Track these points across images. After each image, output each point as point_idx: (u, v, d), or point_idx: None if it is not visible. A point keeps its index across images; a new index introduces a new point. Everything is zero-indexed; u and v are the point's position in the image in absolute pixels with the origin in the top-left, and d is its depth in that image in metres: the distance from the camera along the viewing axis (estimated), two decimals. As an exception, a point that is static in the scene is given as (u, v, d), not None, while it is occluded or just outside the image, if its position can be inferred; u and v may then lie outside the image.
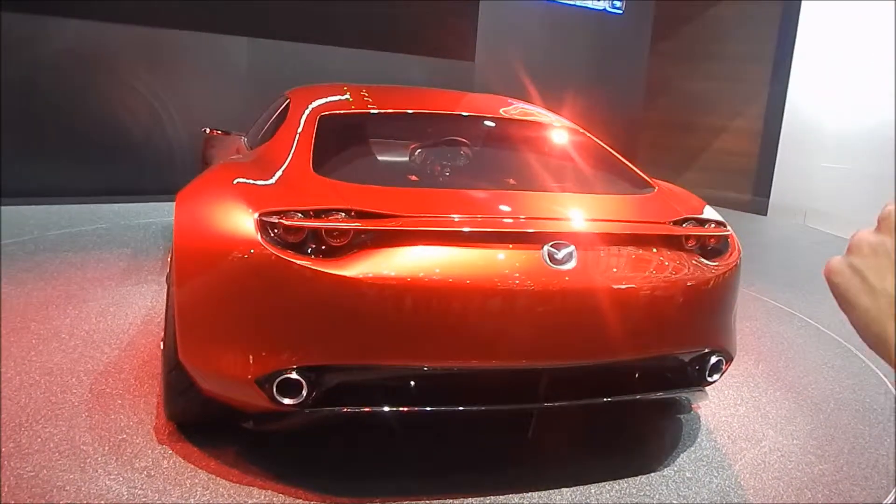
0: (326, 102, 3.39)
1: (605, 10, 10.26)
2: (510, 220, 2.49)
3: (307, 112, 3.18)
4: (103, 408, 2.91)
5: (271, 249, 2.25)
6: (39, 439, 2.63)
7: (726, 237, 2.80)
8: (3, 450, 2.52)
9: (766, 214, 9.45)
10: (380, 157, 3.29)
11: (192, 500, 2.33)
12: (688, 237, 2.65)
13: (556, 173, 3.27)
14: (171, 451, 2.62)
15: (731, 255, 2.78)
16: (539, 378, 2.43)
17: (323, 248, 2.26)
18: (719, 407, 3.39)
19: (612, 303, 2.42)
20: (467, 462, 2.73)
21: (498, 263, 2.34)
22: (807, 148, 8.95)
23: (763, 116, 9.79)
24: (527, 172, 3.28)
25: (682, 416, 3.21)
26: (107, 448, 2.60)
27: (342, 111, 3.30)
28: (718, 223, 2.79)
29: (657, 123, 10.89)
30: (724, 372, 2.81)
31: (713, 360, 2.68)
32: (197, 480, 2.45)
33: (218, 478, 2.47)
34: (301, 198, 2.42)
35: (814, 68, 8.95)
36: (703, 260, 2.66)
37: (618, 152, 3.40)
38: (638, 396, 2.62)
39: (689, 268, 2.60)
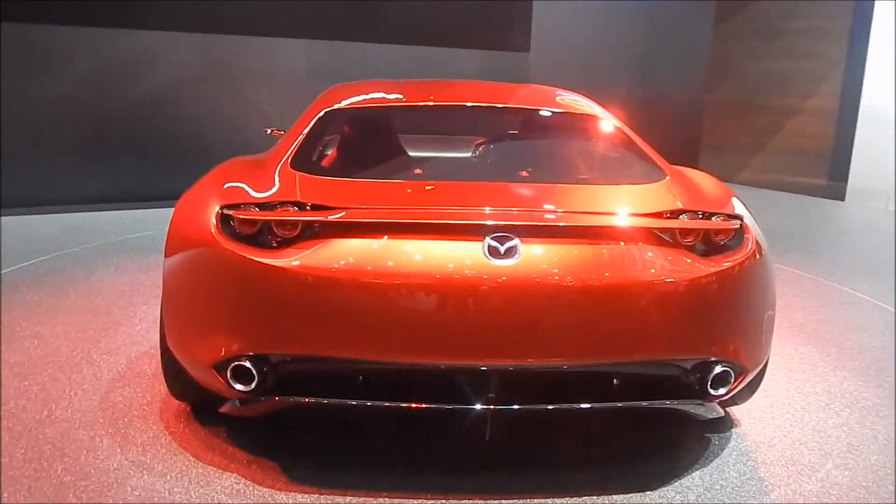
0: (339, 98, 3.33)
1: (664, -9, 9.85)
2: (453, 212, 2.33)
3: (315, 108, 3.16)
4: (133, 385, 3.10)
5: (222, 241, 2.30)
6: (72, 408, 2.82)
7: (737, 233, 2.47)
8: (35, 416, 2.60)
9: (843, 200, 8.82)
10: (374, 150, 3.22)
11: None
12: (685, 231, 2.38)
13: (547, 163, 3.11)
14: (164, 428, 2.72)
15: (739, 252, 2.45)
16: (487, 379, 2.29)
17: (275, 240, 2.27)
18: (768, 423, 2.96)
19: (565, 301, 2.22)
20: (472, 461, 2.61)
21: (436, 257, 2.23)
22: (888, 129, 8.28)
23: (838, 96, 9.12)
24: (515, 163, 3.14)
25: (713, 436, 2.83)
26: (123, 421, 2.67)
27: (345, 106, 3.23)
28: (732, 217, 2.50)
29: (722, 106, 10.33)
30: (737, 386, 2.48)
31: (717, 370, 2.38)
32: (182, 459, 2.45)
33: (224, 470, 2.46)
34: (260, 191, 2.44)
35: (894, 42, 8.28)
36: (698, 257, 2.37)
37: (639, 139, 3.17)
38: (619, 404, 2.40)
39: (677, 265, 2.33)
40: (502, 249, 2.23)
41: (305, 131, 2.93)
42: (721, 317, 2.42)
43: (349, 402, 2.28)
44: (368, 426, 2.78)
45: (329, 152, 3.35)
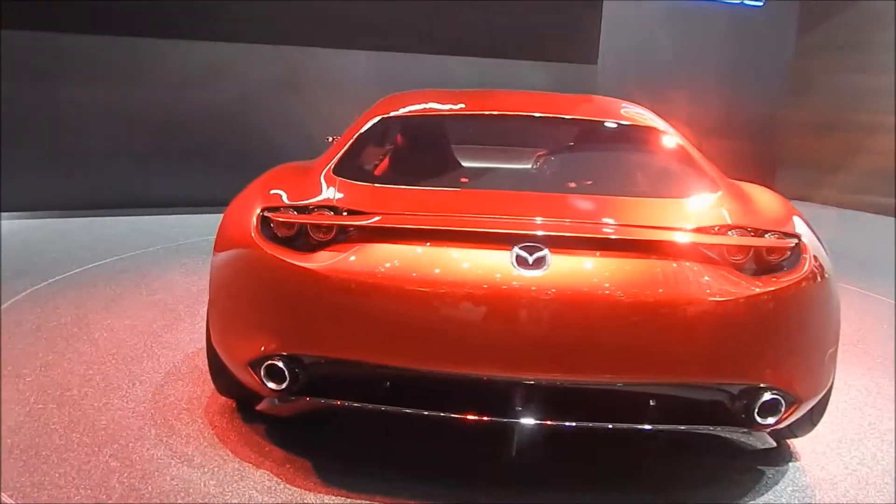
0: (393, 106, 3.40)
1: (742, 2, 9.54)
2: (481, 220, 2.33)
3: (367, 116, 3.23)
4: (186, 379, 3.25)
5: (260, 242, 2.38)
6: (128, 398, 2.98)
7: (794, 252, 2.34)
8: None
9: (929, 222, 8.34)
10: (423, 159, 3.26)
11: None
12: (733, 249, 2.29)
13: (598, 174, 3.06)
14: (208, 423, 2.83)
15: (794, 273, 2.32)
16: (511, 391, 2.27)
17: (311, 243, 2.33)
18: (832, 459, 2.78)
19: (595, 316, 2.17)
20: (502, 476, 2.59)
21: (464, 265, 2.23)
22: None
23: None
24: (565, 174, 3.12)
25: (768, 468, 2.68)
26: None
27: (396, 114, 3.29)
28: (787, 236, 2.37)
29: (802, 122, 9.86)
30: (788, 416, 2.35)
31: (765, 398, 2.27)
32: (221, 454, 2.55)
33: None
34: (300, 195, 2.51)
35: None
36: (747, 276, 2.27)
37: (697, 151, 3.10)
38: (653, 427, 2.30)
39: (719, 283, 2.23)
40: (531, 260, 2.21)
41: (353, 138, 3.00)
42: (771, 340, 2.31)
43: (376, 407, 2.32)
44: (403, 432, 2.81)
45: (382, 159, 3.43)
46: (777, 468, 2.72)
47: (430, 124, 3.48)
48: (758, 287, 2.26)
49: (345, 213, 2.37)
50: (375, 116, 3.21)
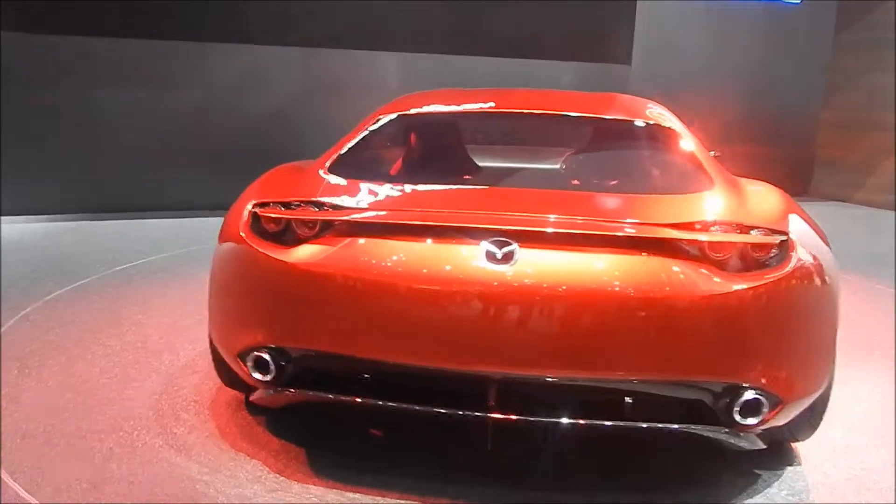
0: (403, 105, 3.41)
1: (778, 0, 9.25)
2: (453, 215, 2.33)
3: (373, 115, 3.26)
4: (201, 372, 3.31)
5: (248, 237, 2.45)
6: (142, 390, 3.02)
7: (782, 250, 2.27)
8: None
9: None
10: (426, 156, 3.27)
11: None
12: (716, 245, 2.22)
13: (592, 172, 3.03)
14: (211, 415, 2.89)
15: (777, 271, 2.24)
16: (485, 386, 2.26)
17: (296, 238, 2.38)
18: (837, 464, 2.69)
19: (565, 311, 2.14)
20: (485, 473, 2.59)
21: (435, 260, 2.24)
22: None
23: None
24: (562, 171, 3.07)
25: (764, 472, 2.60)
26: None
27: (401, 113, 3.30)
28: (775, 233, 2.30)
29: (838, 122, 9.53)
30: (773, 417, 2.27)
31: (746, 397, 2.21)
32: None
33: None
34: (290, 191, 2.56)
35: None
36: (728, 273, 2.21)
37: (701, 149, 3.03)
38: (625, 424, 2.26)
39: (694, 279, 2.17)
40: (499, 254, 2.20)
41: (356, 136, 3.05)
42: (752, 338, 2.24)
43: (357, 400, 2.34)
44: (400, 425, 2.84)
45: (398, 158, 3.46)
46: (773, 471, 2.64)
47: (436, 123, 3.51)
48: (735, 284, 2.19)
49: (329, 209, 2.41)
50: (380, 115, 3.23)
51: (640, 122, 3.22)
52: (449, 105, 3.50)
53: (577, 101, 3.65)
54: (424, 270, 2.23)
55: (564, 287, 2.16)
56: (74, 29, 6.75)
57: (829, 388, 2.61)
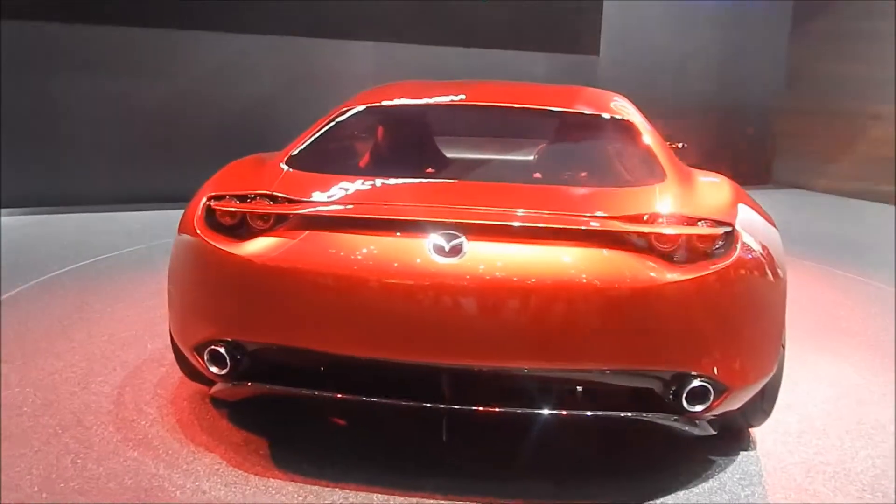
0: (368, 98, 3.33)
1: (739, -3, 9.27)
2: (402, 209, 2.31)
3: (337, 108, 3.18)
4: (168, 365, 3.15)
5: (201, 230, 2.38)
6: (107, 384, 2.91)
7: (727, 241, 2.23)
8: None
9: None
10: (395, 149, 3.20)
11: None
12: (662, 237, 2.19)
13: (547, 164, 3.01)
14: (175, 409, 2.80)
15: (720, 262, 2.21)
16: (437, 377, 2.23)
17: (251, 231, 2.31)
18: (791, 449, 2.68)
19: (512, 303, 2.12)
20: (448, 464, 2.56)
21: (385, 253, 2.20)
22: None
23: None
24: (517, 164, 3.03)
25: (719, 458, 2.59)
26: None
27: (364, 106, 3.22)
28: (720, 224, 2.26)
29: (799, 111, 9.60)
30: (719, 404, 2.26)
31: (693, 385, 2.20)
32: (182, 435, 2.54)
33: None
34: (246, 184, 2.49)
35: None
36: (672, 264, 2.18)
37: (658, 141, 2.98)
38: (575, 412, 2.23)
39: (637, 270, 2.15)
40: (447, 247, 2.17)
41: (319, 129, 2.97)
42: (695, 328, 2.22)
43: (315, 393, 2.29)
44: (357, 417, 2.80)
45: (356, 149, 3.39)
46: (728, 457, 2.64)
47: (402, 116, 3.44)
48: (680, 275, 2.17)
49: (284, 202, 2.35)
50: (344, 108, 3.16)
51: (600, 116, 3.18)
52: (415, 98, 3.44)
53: (543, 94, 3.60)
54: (375, 264, 2.19)
55: (512, 279, 2.14)
56: (30, 15, 6.49)
57: (780, 374, 2.61)
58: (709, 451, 2.65)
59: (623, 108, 3.27)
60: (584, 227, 2.21)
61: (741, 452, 2.68)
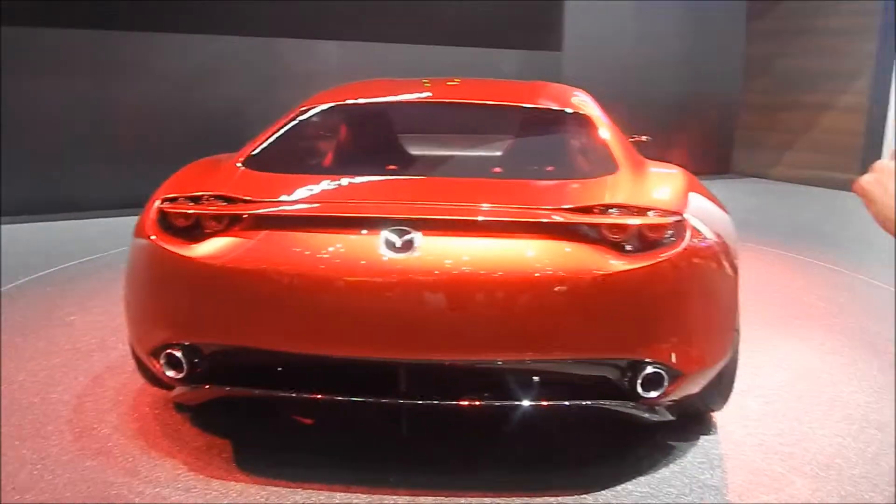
0: (326, 98, 3.27)
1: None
2: (354, 206, 2.29)
3: (296, 108, 3.12)
4: (131, 372, 3.02)
5: (154, 233, 2.32)
6: (68, 392, 2.82)
7: (677, 228, 2.21)
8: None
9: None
10: (357, 148, 3.16)
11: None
12: (613, 227, 2.17)
13: (504, 159, 2.99)
14: (136, 416, 2.72)
15: (669, 249, 2.19)
16: (394, 372, 2.21)
17: (205, 232, 2.26)
18: (751, 432, 2.69)
19: (465, 296, 2.10)
20: (413, 458, 2.53)
21: (338, 250, 2.17)
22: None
23: (869, 92, 8.47)
24: (474, 159, 3.07)
25: (680, 443, 2.59)
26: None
27: (322, 105, 3.17)
28: (669, 214, 2.24)
29: (757, 104, 9.76)
30: (674, 389, 2.25)
31: (647, 371, 2.19)
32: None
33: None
34: (200, 185, 2.43)
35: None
36: (623, 253, 2.16)
37: (614, 134, 2.96)
38: (536, 403, 2.21)
39: (589, 261, 2.13)
40: (399, 243, 2.14)
41: (277, 129, 2.91)
42: (649, 316, 2.22)
43: (274, 394, 2.26)
44: (321, 416, 2.76)
45: (316, 148, 3.33)
46: (689, 442, 2.64)
47: (362, 114, 3.40)
48: (631, 264, 2.16)
49: (240, 203, 2.29)
50: (304, 107, 3.10)
51: (557, 110, 3.17)
52: (375, 96, 3.39)
53: (504, 90, 3.58)
54: (328, 262, 2.15)
55: (464, 273, 2.12)
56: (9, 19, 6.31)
57: (736, 358, 2.61)
58: (671, 436, 2.66)
59: (582, 102, 3.26)
60: (534, 220, 2.19)
61: (702, 437, 2.69)
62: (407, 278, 2.10)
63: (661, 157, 3.16)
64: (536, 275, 2.11)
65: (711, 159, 9.55)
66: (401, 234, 2.15)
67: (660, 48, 9.29)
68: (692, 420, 2.74)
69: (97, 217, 6.57)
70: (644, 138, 3.98)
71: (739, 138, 10.03)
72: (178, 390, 2.41)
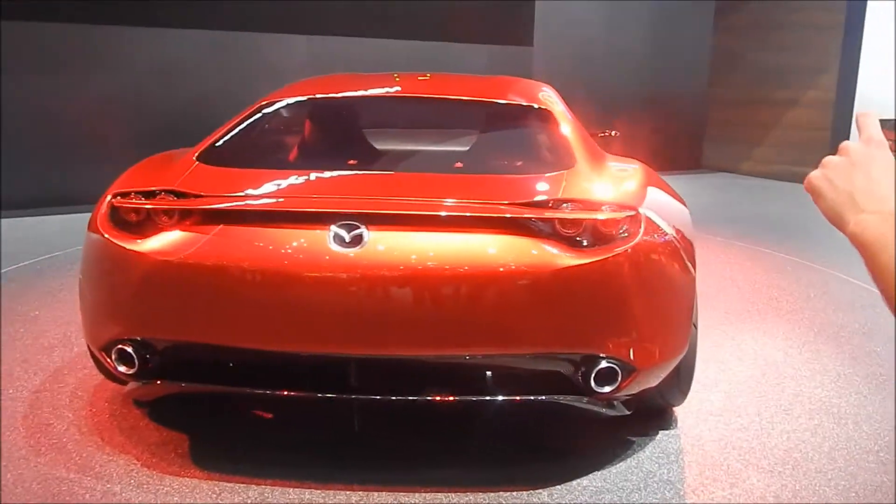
0: (288, 93, 3.21)
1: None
2: (304, 200, 2.26)
3: (256, 103, 3.06)
4: (91, 367, 3.00)
5: (104, 228, 2.28)
6: (26, 389, 2.75)
7: (632, 223, 2.19)
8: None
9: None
10: (321, 142, 3.11)
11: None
12: (566, 222, 2.14)
13: (462, 154, 2.96)
14: (93, 411, 2.66)
15: (622, 244, 2.16)
16: (346, 367, 2.19)
17: (156, 227, 2.22)
18: (711, 427, 2.67)
19: (414, 291, 2.08)
20: (365, 453, 2.50)
21: (288, 245, 2.14)
22: (885, 117, 7.73)
23: (835, 88, 8.55)
24: (433, 154, 3.05)
25: (637, 438, 2.57)
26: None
27: (282, 100, 3.11)
28: (623, 208, 2.22)
29: (725, 99, 9.83)
30: (627, 384, 2.22)
31: (601, 366, 2.16)
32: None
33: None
34: (153, 180, 2.39)
35: (887, 36, 7.73)
36: (574, 248, 2.13)
37: (575, 129, 2.93)
38: (490, 397, 2.21)
39: (539, 255, 2.10)
40: (347, 238, 2.11)
41: (236, 123, 2.86)
42: (602, 311, 2.20)
43: (226, 389, 2.22)
44: (276, 411, 2.72)
45: (275, 143, 3.28)
46: (646, 437, 2.63)
47: (324, 109, 3.34)
48: (583, 258, 2.13)
49: (191, 198, 2.25)
50: (265, 102, 3.04)
51: (519, 105, 3.14)
52: (338, 91, 3.34)
53: (470, 84, 3.53)
54: (278, 257, 2.13)
55: (414, 267, 2.09)
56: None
57: (693, 353, 2.60)
58: (629, 432, 2.65)
59: (546, 97, 3.23)
60: (484, 215, 2.17)
61: (660, 432, 2.68)
62: (355, 274, 2.07)
63: (631, 152, 3.14)
64: (487, 270, 2.09)
65: (682, 154, 9.59)
66: (349, 229, 2.12)
67: (630, 44, 9.31)
68: (652, 415, 2.72)
69: (67, 213, 6.44)
70: (611, 133, 3.96)
71: (710, 133, 10.09)
72: (132, 386, 2.36)
